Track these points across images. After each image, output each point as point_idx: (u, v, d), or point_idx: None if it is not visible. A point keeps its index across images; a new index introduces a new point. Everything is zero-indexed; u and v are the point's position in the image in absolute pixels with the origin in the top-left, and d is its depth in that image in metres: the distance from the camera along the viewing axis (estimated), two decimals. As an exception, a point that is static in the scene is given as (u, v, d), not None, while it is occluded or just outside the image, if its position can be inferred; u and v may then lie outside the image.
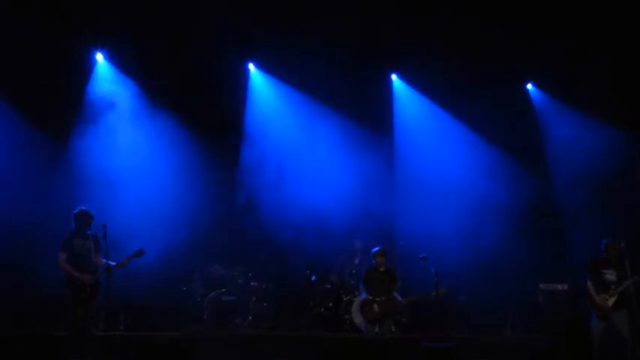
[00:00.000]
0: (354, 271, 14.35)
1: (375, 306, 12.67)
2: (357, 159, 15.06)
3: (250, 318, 14.12)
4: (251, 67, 15.69)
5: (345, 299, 13.88)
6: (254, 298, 14.19)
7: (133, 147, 14.57)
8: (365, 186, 15.11)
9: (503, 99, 14.85)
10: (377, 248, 13.09)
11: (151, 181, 14.38)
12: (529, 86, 15.84)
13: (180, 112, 14.64)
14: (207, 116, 14.74)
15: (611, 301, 11.42)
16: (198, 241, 14.43)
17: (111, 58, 14.78)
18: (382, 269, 12.95)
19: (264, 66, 15.54)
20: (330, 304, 14.05)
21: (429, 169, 15.30)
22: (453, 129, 15.48)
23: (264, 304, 14.27)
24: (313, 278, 14.05)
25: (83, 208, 11.54)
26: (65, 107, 14.11)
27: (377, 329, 12.54)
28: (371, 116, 15.39)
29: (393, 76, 16.01)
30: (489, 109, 14.84)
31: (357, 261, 14.51)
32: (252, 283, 14.27)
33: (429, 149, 15.47)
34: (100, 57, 14.85)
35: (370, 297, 12.72)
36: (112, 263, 11.26)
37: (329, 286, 14.26)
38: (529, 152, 15.33)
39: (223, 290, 14.13)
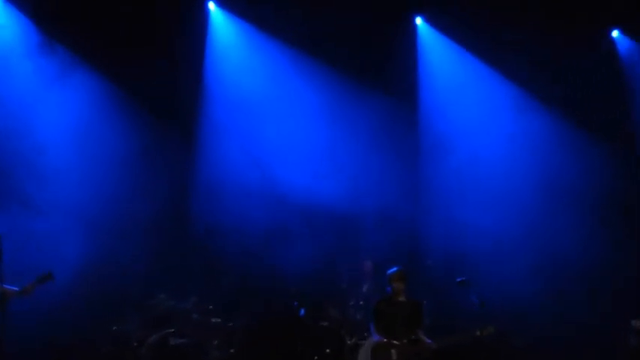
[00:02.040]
0: (361, 303, 14.02)
1: (393, 352, 12.32)
2: (366, 134, 14.91)
3: (212, 370, 13.87)
4: (211, 5, 15.58)
5: (349, 342, 13.54)
6: (216, 342, 13.88)
7: (46, 119, 14.50)
8: (376, 173, 14.94)
9: (572, 50, 14.78)
10: (394, 269, 12.48)
11: (70, 170, 14.36)
12: (615, 33, 15.75)
13: (112, 69, 14.67)
14: (149, 78, 14.66)
15: None
16: (135, 260, 14.25)
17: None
18: (402, 299, 12.48)
19: (229, 4, 15.38)
20: (328, 350, 13.81)
21: (468, 146, 15.02)
22: (501, 91, 15.29)
23: (231, 350, 13.99)
24: (302, 312, 13.67)
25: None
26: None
27: (395, 384, 12.50)
28: (387, 74, 15.17)
29: (418, 20, 15.93)
30: (553, 64, 14.84)
31: (365, 288, 14.22)
32: (212, 320, 13.97)
33: (467, 119, 15.16)
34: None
35: (385, 339, 12.36)
36: (14, 288, 11.33)
37: (326, 324, 13.99)
38: (610, 123, 15.31)
39: (171, 330, 13.73)
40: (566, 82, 14.99)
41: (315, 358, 13.71)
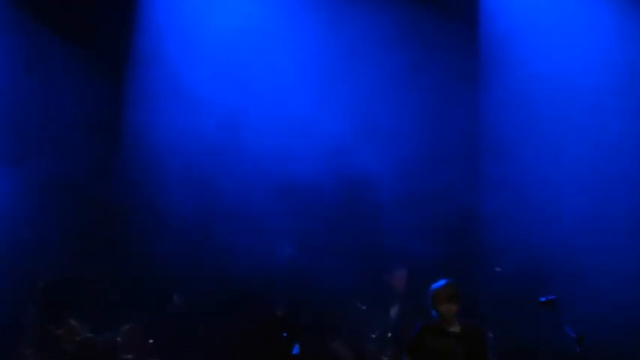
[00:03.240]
0: (389, 335, 12.63)
1: (443, 412, 11.81)
2: (389, 53, 13.41)
3: None
4: None
5: (368, 396, 12.88)
6: (161, 396, 13.18)
7: None
8: (407, 118, 13.31)
9: None
10: (441, 283, 10.45)
11: None
12: None
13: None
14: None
15: None
16: (32, 265, 12.84)
17: None
18: (454, 329, 10.42)
19: None
20: (336, 410, 13.53)
21: (556, 90, 13.20)
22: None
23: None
24: (296, 349, 12.23)
25: None
26: None
27: None
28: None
29: None
30: None
31: (395, 311, 12.78)
32: (155, 363, 12.60)
33: (551, 50, 13.42)
34: None
35: (427, 391, 11.74)
36: None
37: (332, 367, 13.01)
38: None
39: (89, 376, 12.73)
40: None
41: (316, 423, 13.34)
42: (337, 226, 13.53)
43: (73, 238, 13.34)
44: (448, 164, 13.45)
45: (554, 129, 13.43)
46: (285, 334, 12.33)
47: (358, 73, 13.89)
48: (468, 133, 13.67)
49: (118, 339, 12.28)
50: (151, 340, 12.39)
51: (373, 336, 12.64)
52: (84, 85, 13.82)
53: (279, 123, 13.58)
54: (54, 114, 13.79)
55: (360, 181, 13.58)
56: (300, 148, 13.47)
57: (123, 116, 14.16)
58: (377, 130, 13.63)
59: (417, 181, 13.34)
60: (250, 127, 13.68)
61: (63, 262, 13.17)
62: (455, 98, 13.71)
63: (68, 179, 13.44)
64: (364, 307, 12.87)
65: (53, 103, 13.76)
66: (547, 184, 13.21)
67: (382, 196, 13.59)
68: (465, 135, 13.68)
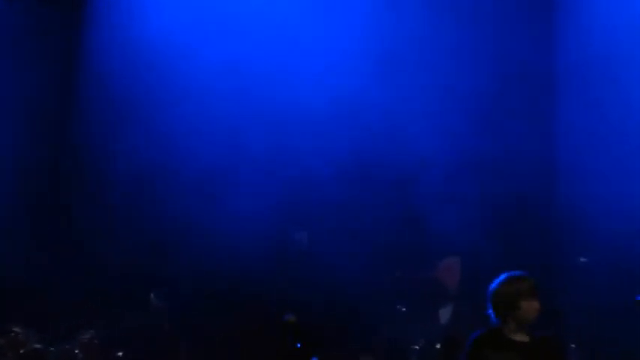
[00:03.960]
0: (437, 346, 11.48)
1: None
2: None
3: None
4: None
5: None
6: None
7: None
8: (469, 74, 11.27)
9: None
10: (515, 274, 8.54)
11: None
12: None
13: None
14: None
15: None
16: None
17: None
18: (521, 339, 8.65)
19: None
20: None
21: None
22: None
23: None
24: None
25: None
26: None
27: None
28: None
29: None
30: None
31: (445, 314, 11.60)
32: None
33: None
34: None
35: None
36: None
37: (362, 390, 12.85)
38: None
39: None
40: None
41: None
42: (367, 209, 11.93)
43: (15, 221, 11.95)
44: (514, 118, 11.60)
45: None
46: (299, 345, 9.87)
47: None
48: (541, 71, 11.69)
49: (76, 351, 10.82)
50: (120, 353, 11.12)
51: (416, 347, 11.49)
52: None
53: (290, 69, 11.59)
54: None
55: (394, 145, 11.74)
56: (311, 95, 11.41)
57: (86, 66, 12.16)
58: (418, 67, 11.49)
59: (471, 141, 11.61)
60: (253, 77, 11.57)
61: (2, 254, 11.80)
62: (523, 32, 11.75)
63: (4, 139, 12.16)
64: (404, 310, 11.67)
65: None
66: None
67: (423, 161, 11.90)
68: (537, 75, 11.70)
